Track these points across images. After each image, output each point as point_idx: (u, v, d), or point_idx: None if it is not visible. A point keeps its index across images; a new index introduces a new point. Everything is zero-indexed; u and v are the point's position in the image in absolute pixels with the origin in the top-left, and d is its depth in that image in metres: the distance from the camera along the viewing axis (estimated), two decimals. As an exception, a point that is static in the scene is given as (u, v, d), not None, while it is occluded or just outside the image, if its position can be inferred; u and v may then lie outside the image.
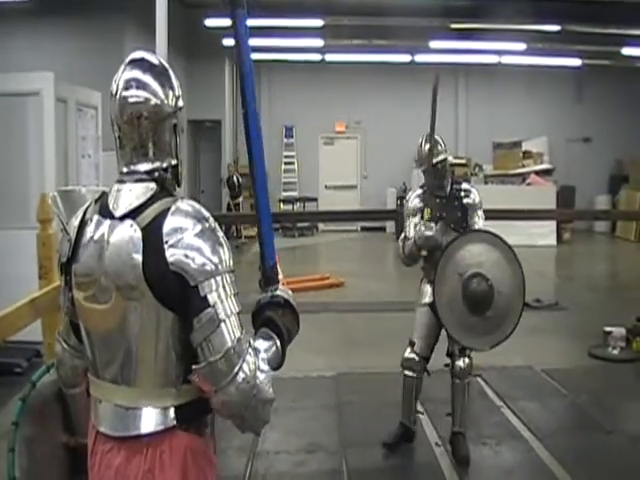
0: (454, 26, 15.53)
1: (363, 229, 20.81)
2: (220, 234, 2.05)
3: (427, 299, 5.11)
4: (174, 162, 2.19)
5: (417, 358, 5.14)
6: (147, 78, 2.10)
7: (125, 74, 2.10)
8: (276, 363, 2.12)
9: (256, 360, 2.00)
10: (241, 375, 1.94)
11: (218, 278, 1.98)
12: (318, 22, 14.98)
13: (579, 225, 19.68)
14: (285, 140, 21.06)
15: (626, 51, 17.48)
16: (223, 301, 1.97)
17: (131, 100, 2.08)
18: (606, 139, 21.17)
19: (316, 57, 19.45)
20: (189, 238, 1.98)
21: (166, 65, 2.18)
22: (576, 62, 19.40)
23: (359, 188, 21.38)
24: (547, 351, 8.12)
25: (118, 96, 2.09)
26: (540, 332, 8.98)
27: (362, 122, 21.36)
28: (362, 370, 7.29)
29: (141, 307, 2.01)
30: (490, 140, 20.01)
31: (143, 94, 2.08)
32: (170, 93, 2.13)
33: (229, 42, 17.14)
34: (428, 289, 5.12)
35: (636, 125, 20.67)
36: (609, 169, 21.74)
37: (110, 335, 2.07)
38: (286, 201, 20.20)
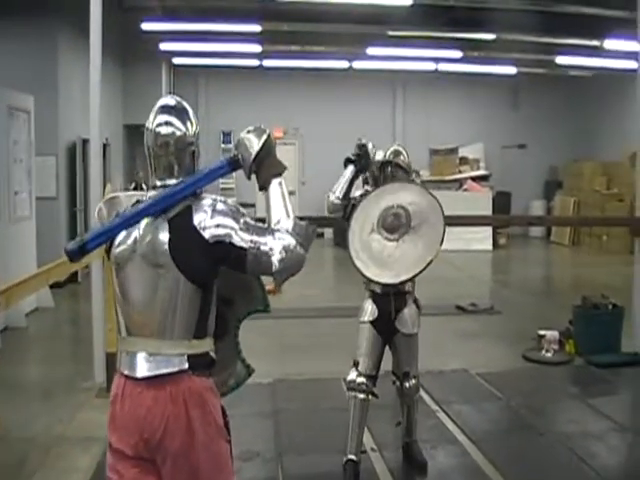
0: (391, 33, 15.58)
1: (302, 235, 20.76)
2: (227, 206, 2.73)
3: (369, 317, 4.97)
4: None
5: (364, 379, 4.90)
6: (172, 118, 2.84)
7: (157, 117, 2.85)
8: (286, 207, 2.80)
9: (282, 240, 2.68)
10: (279, 258, 2.66)
11: (240, 230, 2.67)
12: (256, 27, 14.91)
13: (515, 230, 19.96)
14: (223, 146, 20.85)
15: (560, 60, 17.79)
16: (252, 239, 2.66)
17: (162, 133, 2.83)
18: (541, 146, 21.56)
19: (254, 63, 19.36)
20: (214, 217, 2.69)
21: (185, 104, 2.91)
22: (511, 70, 19.70)
23: (297, 194, 21.33)
24: (482, 354, 8.21)
25: (153, 132, 2.84)
26: (475, 336, 9.11)
27: (300, 128, 21.37)
28: (298, 377, 7.28)
29: (167, 278, 2.67)
30: (427, 146, 20.23)
31: (170, 129, 2.82)
32: (190, 127, 2.86)
33: (166, 46, 17.03)
34: (369, 306, 5.01)
35: (570, 132, 21.11)
36: (544, 175, 22.16)
37: (142, 299, 2.72)
38: (224, 207, 20.03)
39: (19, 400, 6.62)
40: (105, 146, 13.61)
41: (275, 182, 2.82)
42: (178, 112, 2.87)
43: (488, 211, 17.30)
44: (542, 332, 8.25)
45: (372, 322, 4.97)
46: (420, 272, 4.60)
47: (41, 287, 6.35)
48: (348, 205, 5.00)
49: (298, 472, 5.21)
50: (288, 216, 2.75)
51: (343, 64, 19.38)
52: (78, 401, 6.59)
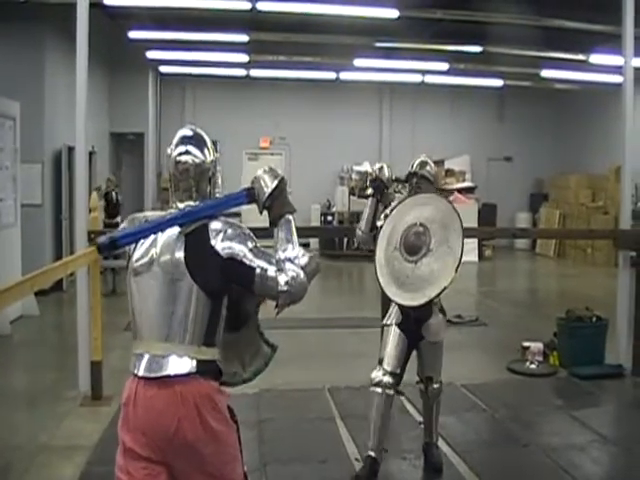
0: (378, 45, 15.64)
1: (287, 245, 20.73)
2: (240, 230, 3.01)
3: (394, 319, 5.11)
4: None
5: (389, 377, 5.01)
6: (191, 148, 3.14)
7: (178, 147, 3.15)
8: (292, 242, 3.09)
9: (287, 271, 2.96)
10: (285, 282, 2.93)
11: (250, 252, 2.95)
12: (243, 37, 14.93)
13: (500, 242, 20.05)
14: (210, 155, 20.86)
15: (545, 73, 17.91)
16: (259, 264, 2.93)
17: (182, 161, 3.13)
18: (526, 158, 21.68)
19: (241, 72, 19.36)
20: (227, 238, 2.96)
21: (203, 134, 3.22)
22: (497, 83, 19.78)
23: (284, 204, 21.32)
24: (467, 366, 8.21)
25: (174, 159, 3.14)
26: (460, 348, 9.09)
27: (287, 138, 21.36)
28: (284, 386, 7.26)
29: (182, 287, 2.92)
30: (413, 158, 20.23)
31: (189, 157, 3.12)
32: (207, 154, 3.17)
33: (153, 55, 17.03)
34: (394, 310, 5.12)
35: (556, 145, 21.23)
36: (529, 187, 22.27)
37: (158, 305, 2.95)
38: (210, 216, 19.96)
39: (3, 408, 6.59)
40: (91, 154, 13.60)
41: (285, 218, 3.10)
42: (196, 142, 3.18)
43: (474, 223, 17.34)
44: (526, 344, 8.29)
45: (398, 325, 5.09)
46: (436, 296, 4.80)
47: (26, 294, 6.31)
48: (376, 235, 5.11)
49: (282, 482, 5.20)
50: (294, 248, 3.05)
51: (330, 75, 19.41)
52: (63, 409, 6.56)
